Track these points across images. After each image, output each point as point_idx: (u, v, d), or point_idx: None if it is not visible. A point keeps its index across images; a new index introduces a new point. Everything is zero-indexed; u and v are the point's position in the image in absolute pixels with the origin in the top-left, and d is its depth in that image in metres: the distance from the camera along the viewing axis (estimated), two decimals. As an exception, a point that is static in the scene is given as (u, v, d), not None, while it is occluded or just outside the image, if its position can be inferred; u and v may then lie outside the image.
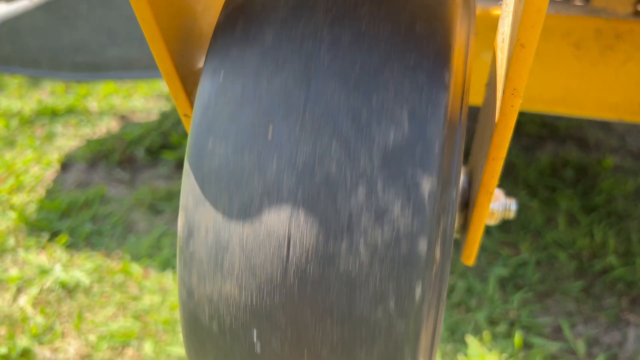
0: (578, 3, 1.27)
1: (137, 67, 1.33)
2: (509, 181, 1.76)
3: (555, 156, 1.92)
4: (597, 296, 1.39)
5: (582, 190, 1.75)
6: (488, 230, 1.56)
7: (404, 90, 0.36)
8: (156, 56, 0.41)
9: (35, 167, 1.80)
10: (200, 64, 0.49)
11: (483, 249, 1.50)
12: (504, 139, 0.41)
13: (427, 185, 0.35)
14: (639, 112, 1.09)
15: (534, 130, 2.07)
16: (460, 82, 0.43)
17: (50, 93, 2.26)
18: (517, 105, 0.41)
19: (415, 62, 0.37)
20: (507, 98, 0.41)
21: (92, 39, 1.34)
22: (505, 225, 1.58)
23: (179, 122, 2.05)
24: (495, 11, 1.08)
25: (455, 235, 0.52)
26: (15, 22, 1.38)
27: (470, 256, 0.55)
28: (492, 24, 1.08)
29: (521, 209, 1.64)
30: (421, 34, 0.38)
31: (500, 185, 1.69)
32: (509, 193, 1.67)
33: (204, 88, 0.38)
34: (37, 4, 1.35)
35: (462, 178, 0.54)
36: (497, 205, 0.55)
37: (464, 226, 0.53)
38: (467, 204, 0.53)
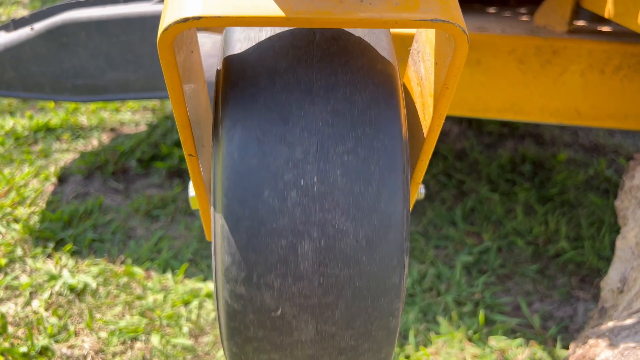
0: (525, 19, 1.45)
1: (133, 89, 1.47)
2: (473, 177, 1.94)
3: (514, 152, 2.11)
4: (551, 277, 1.57)
5: (539, 182, 1.94)
6: (454, 222, 1.73)
7: (378, 112, 0.52)
8: (176, 110, 0.55)
9: (34, 180, 1.92)
10: (193, 106, 0.62)
11: (450, 239, 1.67)
12: (431, 147, 0.58)
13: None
14: (575, 116, 1.28)
15: (496, 129, 2.25)
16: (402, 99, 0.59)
17: (39, 109, 2.37)
18: (441, 124, 0.58)
19: (377, 100, 0.53)
20: (435, 120, 0.58)
21: (91, 64, 1.47)
22: (469, 217, 1.76)
23: (166, 133, 2.18)
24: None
25: None
26: (17, 49, 1.50)
27: None
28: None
29: (484, 202, 1.82)
30: (379, 80, 0.54)
31: (464, 181, 1.86)
32: (471, 188, 1.85)
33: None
34: (38, 32, 1.48)
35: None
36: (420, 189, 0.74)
37: None
38: None
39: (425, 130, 0.60)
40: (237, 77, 0.57)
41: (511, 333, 1.40)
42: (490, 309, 1.46)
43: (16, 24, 1.56)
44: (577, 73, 1.24)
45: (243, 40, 0.58)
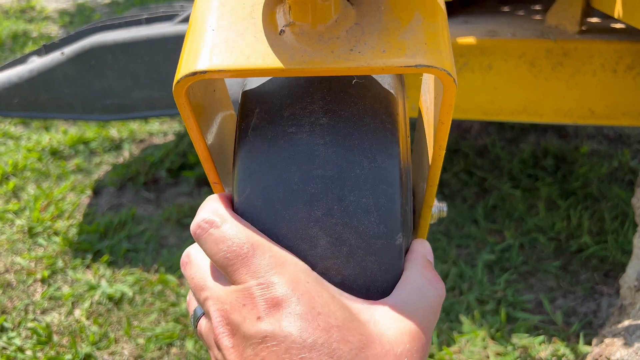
0: (538, 17, 1.46)
1: (159, 106, 1.54)
2: (495, 174, 1.95)
3: (536, 146, 2.11)
4: (574, 272, 1.59)
5: (561, 176, 1.94)
6: (476, 221, 1.76)
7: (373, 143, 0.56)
8: (196, 146, 0.60)
9: (71, 194, 2.02)
10: (214, 135, 0.67)
11: (472, 238, 1.70)
12: (436, 174, 0.62)
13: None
14: (589, 116, 1.29)
15: (517, 124, 2.25)
16: (404, 136, 0.63)
17: (72, 124, 2.48)
18: (443, 154, 0.61)
19: (379, 126, 0.57)
20: (436, 151, 0.62)
21: (119, 84, 1.55)
22: (491, 215, 1.78)
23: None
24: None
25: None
26: (50, 73, 1.59)
27: None
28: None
29: (506, 199, 1.84)
30: (382, 132, 0.58)
31: (485, 178, 1.88)
32: (493, 186, 1.87)
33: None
34: (68, 56, 1.56)
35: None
36: (435, 209, 0.76)
37: (414, 228, 0.73)
38: (414, 212, 0.73)
39: (429, 159, 0.64)
40: (249, 111, 0.62)
41: (534, 330, 1.42)
42: (513, 306, 1.49)
43: (47, 48, 1.64)
44: (589, 73, 1.25)
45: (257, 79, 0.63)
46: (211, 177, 0.68)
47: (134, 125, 2.42)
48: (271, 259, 0.37)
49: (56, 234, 1.83)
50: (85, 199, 2.00)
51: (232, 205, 0.50)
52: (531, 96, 1.30)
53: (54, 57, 1.58)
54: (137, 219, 1.88)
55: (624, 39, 1.22)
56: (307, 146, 0.53)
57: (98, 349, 1.44)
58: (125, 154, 2.24)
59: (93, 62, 1.53)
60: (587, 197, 1.84)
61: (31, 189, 2.04)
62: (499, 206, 1.82)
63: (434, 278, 0.42)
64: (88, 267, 1.70)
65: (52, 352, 1.42)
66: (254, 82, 0.64)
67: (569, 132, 2.21)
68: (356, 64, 0.49)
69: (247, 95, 0.63)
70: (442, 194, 1.88)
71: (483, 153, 2.09)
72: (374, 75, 0.61)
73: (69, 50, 1.56)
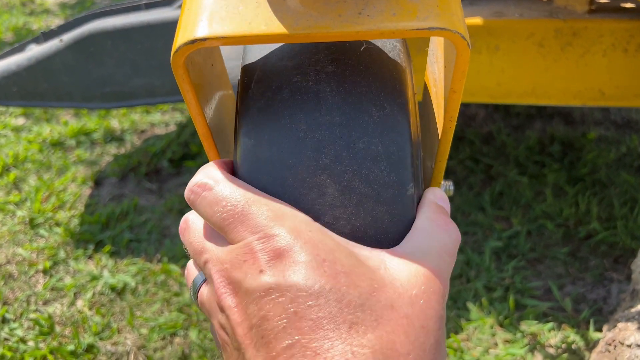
0: (545, -1, 1.43)
1: (160, 93, 1.51)
2: (501, 161, 1.93)
3: (543, 133, 2.08)
4: (583, 259, 1.56)
5: (569, 163, 1.91)
6: (482, 208, 1.73)
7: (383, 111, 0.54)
8: (196, 123, 0.57)
9: (72, 185, 2.00)
10: (213, 113, 0.65)
11: (479, 225, 1.67)
12: (446, 148, 0.60)
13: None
14: (599, 97, 1.26)
15: (523, 110, 2.22)
16: (413, 107, 0.61)
17: (74, 115, 2.45)
18: (454, 126, 0.59)
19: (387, 96, 0.54)
20: (447, 122, 0.59)
21: (118, 72, 1.52)
22: (498, 202, 1.76)
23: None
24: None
25: None
26: (48, 61, 1.56)
27: None
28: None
29: (512, 185, 1.81)
30: (390, 82, 0.56)
31: (492, 165, 1.85)
32: (499, 172, 1.84)
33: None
34: (67, 43, 1.54)
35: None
36: (442, 187, 0.74)
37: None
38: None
39: (439, 132, 0.62)
40: (250, 86, 0.59)
41: (543, 317, 1.40)
42: (521, 293, 1.46)
43: (46, 36, 1.62)
44: (599, 53, 1.22)
45: (258, 48, 0.60)
46: (211, 155, 0.65)
47: (136, 116, 2.39)
48: (269, 212, 0.35)
49: (58, 224, 1.81)
50: (86, 190, 1.98)
51: (232, 169, 0.48)
52: (540, 78, 1.27)
53: (53, 44, 1.55)
54: (139, 210, 1.86)
55: (635, 17, 1.19)
56: (313, 94, 0.51)
57: (101, 339, 1.42)
58: (127, 145, 2.22)
59: (92, 49, 1.50)
60: (595, 183, 1.81)
61: (32, 180, 2.02)
62: (505, 193, 1.79)
63: (445, 223, 0.40)
64: (90, 257, 1.68)
65: (55, 343, 1.41)
66: (253, 56, 0.61)
67: (575, 118, 2.18)
68: (365, 27, 0.46)
69: (246, 68, 0.60)
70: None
71: (489, 140, 2.06)
72: (380, 46, 0.59)
73: (68, 37, 1.53)
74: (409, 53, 0.72)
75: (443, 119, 0.58)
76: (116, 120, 2.38)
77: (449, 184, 0.80)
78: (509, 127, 2.14)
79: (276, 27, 0.47)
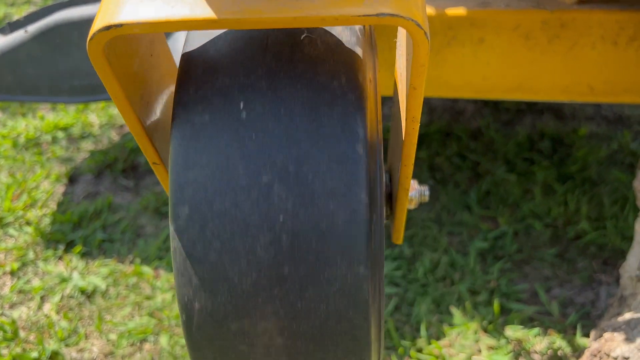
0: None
1: (130, 87, 1.44)
2: (489, 158, 1.87)
3: (533, 129, 2.02)
4: (571, 260, 1.50)
5: (558, 160, 1.85)
6: (468, 207, 1.67)
7: (333, 114, 0.47)
8: (125, 119, 0.51)
9: (45, 182, 1.93)
10: (158, 111, 0.58)
11: (464, 224, 1.61)
12: (410, 151, 0.53)
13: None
14: (588, 92, 1.20)
15: (513, 106, 2.16)
16: (374, 107, 0.54)
17: (50, 109, 2.38)
18: (417, 127, 0.52)
19: (339, 98, 0.48)
20: (409, 123, 0.53)
21: (86, 64, 1.45)
22: (485, 200, 1.70)
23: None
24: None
25: (386, 220, 0.64)
26: (14, 52, 1.49)
27: (398, 237, 0.68)
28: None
29: (500, 184, 1.75)
30: (343, 79, 0.49)
31: (479, 162, 1.79)
32: (487, 170, 1.78)
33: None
34: (32, 34, 1.46)
35: (384, 176, 0.65)
36: (414, 193, 0.67)
37: (391, 213, 0.65)
38: (390, 196, 0.65)
39: (403, 134, 0.55)
40: (188, 77, 0.53)
41: (528, 322, 1.34)
42: (507, 297, 1.41)
43: (12, 26, 1.54)
44: (587, 46, 1.16)
45: (198, 36, 0.54)
46: (149, 155, 0.58)
47: (114, 111, 2.32)
48: None
49: (28, 224, 1.74)
50: (60, 187, 1.91)
51: None
52: (526, 72, 1.21)
53: (18, 35, 1.48)
54: (114, 208, 1.79)
55: (626, 8, 1.13)
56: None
57: (66, 345, 1.36)
58: (104, 141, 2.15)
59: (58, 40, 1.43)
60: (586, 181, 1.75)
61: (4, 177, 1.95)
62: (492, 191, 1.73)
63: None
64: (60, 258, 1.61)
65: (18, 349, 1.34)
66: (193, 43, 0.55)
67: (566, 113, 2.12)
68: (304, 13, 0.40)
69: (184, 57, 0.53)
70: (433, 179, 1.79)
71: (477, 136, 2.00)
72: (334, 32, 0.52)
73: (33, 28, 1.46)
74: (373, 44, 0.65)
75: (405, 120, 0.52)
76: (94, 115, 2.31)
77: (424, 189, 0.74)
78: (498, 123, 2.08)
79: (202, 11, 0.40)
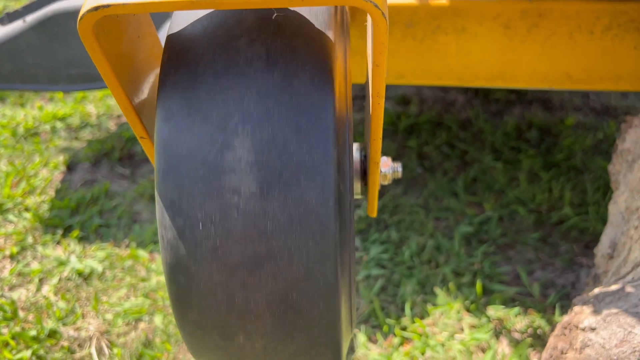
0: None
1: (125, 75, 1.49)
2: (477, 147, 1.91)
3: (521, 119, 2.07)
4: (553, 244, 1.55)
5: (545, 149, 1.90)
6: (455, 193, 1.72)
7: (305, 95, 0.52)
8: (114, 95, 0.56)
9: (44, 170, 1.97)
10: (146, 89, 0.63)
11: (451, 210, 1.66)
12: (378, 126, 0.57)
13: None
14: (566, 80, 1.24)
15: (503, 96, 2.21)
16: (343, 87, 0.58)
17: (49, 99, 2.42)
18: (382, 103, 0.57)
19: (311, 78, 0.52)
20: (374, 99, 0.57)
21: (83, 53, 1.49)
22: (471, 187, 1.74)
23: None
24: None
25: (360, 196, 0.68)
26: (12, 42, 1.53)
27: (372, 210, 0.72)
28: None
29: (487, 171, 1.80)
30: (315, 60, 0.54)
31: (467, 151, 1.83)
32: (475, 158, 1.83)
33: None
34: (30, 24, 1.50)
35: (358, 152, 0.69)
36: (388, 169, 0.72)
37: (365, 188, 0.69)
38: (365, 172, 0.69)
39: (370, 110, 0.60)
40: (172, 58, 0.57)
41: (510, 302, 1.39)
42: (490, 278, 1.45)
43: (10, 17, 1.58)
44: (565, 35, 1.20)
45: (182, 17, 0.58)
46: (137, 130, 0.63)
47: (111, 101, 2.36)
48: None
49: (27, 210, 1.79)
50: (58, 175, 1.95)
51: None
52: (507, 60, 1.25)
53: (16, 25, 1.52)
54: (111, 195, 1.84)
55: (602, -2, 1.17)
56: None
57: (64, 324, 1.40)
58: (102, 130, 2.19)
59: (56, 30, 1.47)
60: (570, 169, 1.80)
61: (3, 165, 1.99)
62: (479, 179, 1.78)
63: None
64: (58, 243, 1.66)
65: (17, 328, 1.39)
66: (178, 25, 0.59)
67: (554, 104, 2.16)
68: None
69: (169, 38, 0.57)
70: (422, 167, 1.84)
71: (466, 126, 2.04)
72: (307, 16, 0.56)
73: (31, 18, 1.50)
74: (345, 28, 0.69)
75: (371, 96, 0.56)
76: (92, 106, 2.35)
77: (397, 166, 0.78)
78: (487, 113, 2.12)
79: (178, -6, 0.44)
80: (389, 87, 2.15)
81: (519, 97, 2.21)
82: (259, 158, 0.50)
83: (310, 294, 0.52)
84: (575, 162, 1.82)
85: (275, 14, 0.51)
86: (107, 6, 0.48)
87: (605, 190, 1.68)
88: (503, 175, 1.77)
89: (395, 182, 1.78)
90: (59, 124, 2.23)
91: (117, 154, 2.01)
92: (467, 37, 1.25)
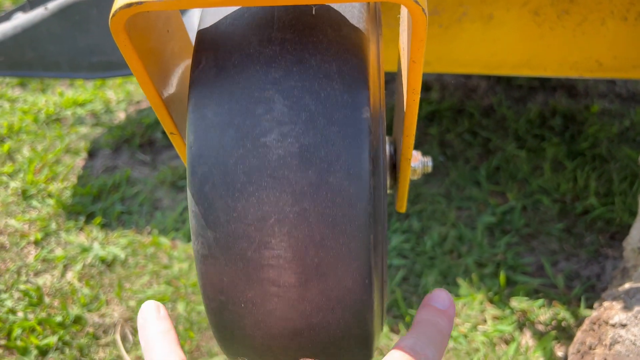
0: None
1: (146, 63, 1.48)
2: (500, 135, 1.88)
3: (545, 106, 2.03)
4: (578, 235, 1.53)
5: (569, 137, 1.86)
6: (478, 182, 1.70)
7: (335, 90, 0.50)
8: (145, 91, 0.55)
9: (66, 156, 1.98)
10: (174, 84, 0.62)
11: (473, 200, 1.64)
12: (412, 122, 0.56)
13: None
14: (597, 68, 1.21)
15: (525, 83, 2.17)
16: (377, 80, 0.57)
17: (69, 85, 2.43)
18: (417, 99, 0.55)
19: (344, 71, 0.51)
20: (410, 95, 0.56)
21: (105, 40, 1.49)
22: (494, 176, 1.72)
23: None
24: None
25: (389, 190, 0.67)
26: (34, 29, 1.53)
27: (402, 206, 0.72)
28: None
29: (510, 160, 1.77)
30: (348, 52, 0.52)
31: (490, 139, 1.81)
32: (498, 146, 1.80)
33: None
34: (52, 11, 1.50)
35: (388, 147, 0.68)
36: (417, 164, 0.71)
37: (395, 183, 0.68)
38: (395, 166, 0.68)
39: (404, 106, 0.58)
40: (202, 53, 0.56)
41: (534, 294, 1.38)
42: (513, 269, 1.44)
43: (32, 4, 1.58)
44: (597, 21, 1.16)
45: (212, 13, 0.57)
46: (167, 126, 0.62)
47: (131, 87, 2.36)
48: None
49: (50, 196, 1.81)
50: (80, 162, 1.97)
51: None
52: (535, 48, 1.22)
53: (38, 13, 1.52)
54: (132, 181, 1.85)
55: (636, -17, 1.13)
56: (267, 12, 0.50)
57: (89, 310, 1.42)
58: (122, 116, 2.20)
59: (77, 17, 1.47)
60: (596, 158, 1.76)
61: (26, 152, 2.01)
62: (502, 167, 1.75)
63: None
64: (81, 229, 1.68)
65: (43, 314, 1.41)
66: (209, 21, 0.58)
67: (579, 90, 2.12)
68: None
69: (200, 33, 0.56)
70: (444, 155, 1.82)
71: (489, 113, 2.01)
72: (341, 11, 0.55)
73: (53, 5, 1.50)
74: (378, 21, 0.67)
75: (406, 92, 0.55)
76: (112, 92, 2.35)
77: (427, 160, 0.77)
78: (510, 100, 2.09)
79: (214, -11, 0.43)
80: (410, 73, 2.13)
81: (543, 83, 2.17)
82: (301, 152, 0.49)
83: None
84: (601, 150, 1.79)
85: (314, 9, 0.50)
86: (140, 3, 0.47)
87: (633, 180, 1.65)
88: (526, 164, 1.75)
89: (417, 170, 1.76)
90: (79, 110, 2.24)
91: (137, 141, 2.02)
92: (495, 24, 1.22)
